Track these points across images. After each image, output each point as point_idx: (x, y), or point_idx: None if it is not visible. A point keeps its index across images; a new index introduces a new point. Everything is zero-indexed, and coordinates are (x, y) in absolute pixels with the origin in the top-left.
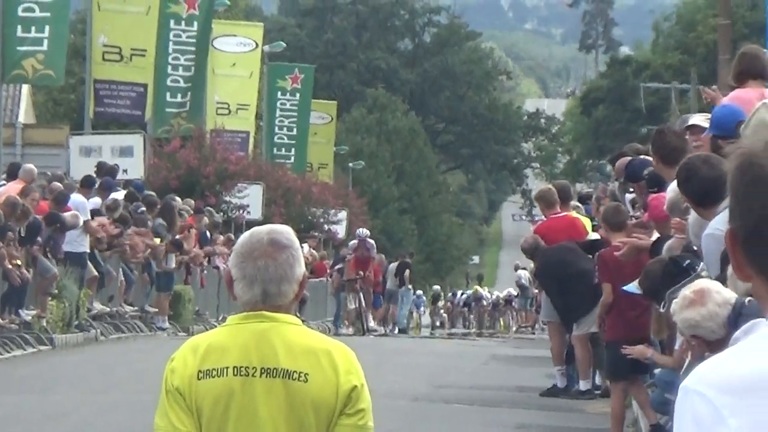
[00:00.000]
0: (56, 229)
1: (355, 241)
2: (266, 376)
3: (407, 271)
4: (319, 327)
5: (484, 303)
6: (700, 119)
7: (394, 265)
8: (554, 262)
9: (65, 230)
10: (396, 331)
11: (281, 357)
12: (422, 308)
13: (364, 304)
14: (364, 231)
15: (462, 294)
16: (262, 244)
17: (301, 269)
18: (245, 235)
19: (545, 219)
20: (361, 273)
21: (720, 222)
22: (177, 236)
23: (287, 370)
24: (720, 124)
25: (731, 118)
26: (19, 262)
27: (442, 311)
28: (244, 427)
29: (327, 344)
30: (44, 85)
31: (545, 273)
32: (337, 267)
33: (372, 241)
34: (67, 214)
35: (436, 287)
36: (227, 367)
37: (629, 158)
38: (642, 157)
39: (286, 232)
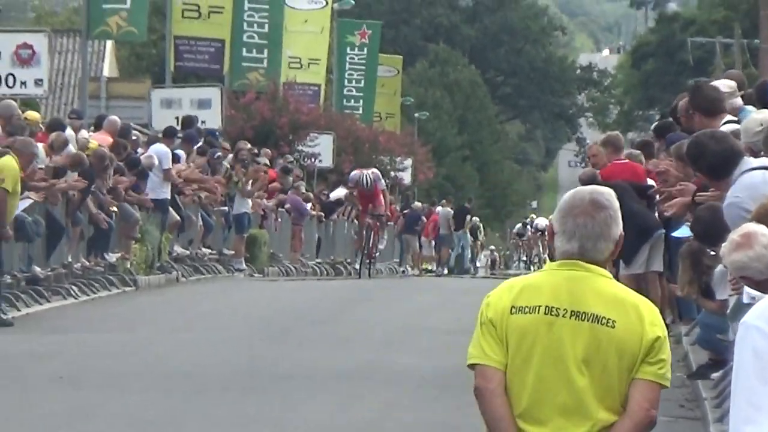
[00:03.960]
0: (138, 173)
1: (357, 172)
2: (574, 318)
3: (468, 216)
4: (385, 268)
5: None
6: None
7: (450, 211)
8: None
9: (145, 173)
10: (445, 271)
11: (591, 302)
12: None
13: (370, 243)
14: (368, 182)
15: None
16: (583, 203)
17: (618, 229)
18: (569, 193)
19: (609, 164)
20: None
21: (737, 190)
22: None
23: (596, 315)
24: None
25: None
26: (114, 209)
27: (490, 250)
28: (549, 365)
29: (635, 298)
30: (129, 41)
31: None
32: (403, 211)
33: (377, 172)
34: (142, 156)
35: (475, 219)
36: (539, 306)
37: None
38: None
39: (607, 193)
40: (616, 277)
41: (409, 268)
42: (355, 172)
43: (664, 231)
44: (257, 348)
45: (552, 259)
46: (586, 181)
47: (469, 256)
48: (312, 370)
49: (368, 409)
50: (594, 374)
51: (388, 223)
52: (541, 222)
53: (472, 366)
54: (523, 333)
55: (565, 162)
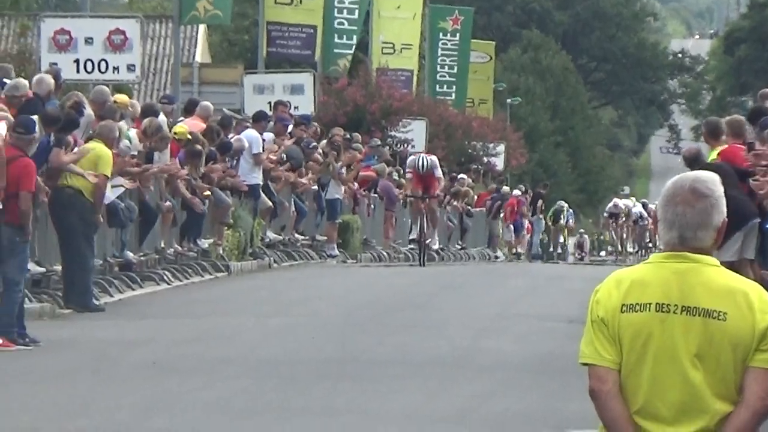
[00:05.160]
0: (231, 156)
1: (414, 157)
2: (686, 314)
3: (540, 201)
4: (478, 254)
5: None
6: None
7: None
8: None
9: (236, 154)
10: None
11: (700, 296)
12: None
13: (425, 228)
14: (424, 164)
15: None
16: (684, 191)
17: (720, 216)
18: (671, 181)
19: (727, 146)
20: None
21: None
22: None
23: (707, 309)
24: None
25: None
26: (208, 193)
27: (579, 233)
28: (663, 362)
29: (743, 284)
30: (214, 24)
31: None
32: (491, 197)
33: (435, 159)
34: (232, 139)
35: (561, 202)
36: (649, 303)
37: None
38: None
39: (709, 180)
40: None
41: (501, 253)
42: (411, 157)
43: (759, 220)
44: (349, 334)
45: (642, 246)
46: (689, 158)
47: (538, 242)
48: (404, 356)
49: (462, 396)
50: (708, 368)
51: (444, 206)
52: (620, 203)
53: (584, 364)
54: (637, 332)
55: (656, 148)
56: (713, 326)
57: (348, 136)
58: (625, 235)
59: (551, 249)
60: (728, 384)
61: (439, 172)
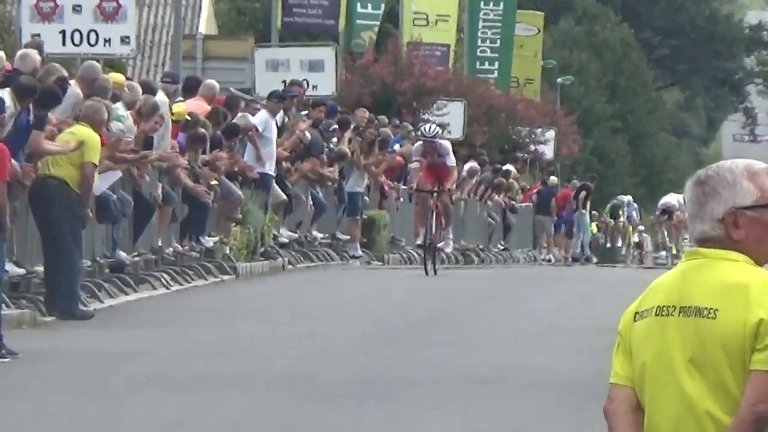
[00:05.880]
0: (239, 140)
1: (420, 143)
2: (682, 315)
3: (583, 193)
4: (523, 256)
5: None
6: None
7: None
8: None
9: (242, 133)
10: (570, 259)
11: (696, 294)
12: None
13: (433, 228)
14: (431, 128)
15: None
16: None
17: (720, 207)
18: None
19: None
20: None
21: None
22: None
23: (699, 308)
24: None
25: None
26: (215, 182)
27: (639, 231)
28: (660, 370)
29: (747, 277)
30: None
31: None
32: (538, 190)
33: (446, 144)
34: (236, 119)
35: (621, 197)
36: (652, 308)
37: None
38: None
39: (716, 167)
40: None
41: (551, 255)
42: (418, 143)
43: None
44: (374, 348)
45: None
46: None
47: (586, 242)
48: (436, 374)
49: (505, 421)
50: (706, 374)
51: (485, 201)
52: (673, 199)
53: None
54: (640, 340)
55: (729, 135)
56: (704, 326)
57: (377, 121)
58: (675, 235)
59: (584, 250)
60: (730, 392)
61: (452, 160)
